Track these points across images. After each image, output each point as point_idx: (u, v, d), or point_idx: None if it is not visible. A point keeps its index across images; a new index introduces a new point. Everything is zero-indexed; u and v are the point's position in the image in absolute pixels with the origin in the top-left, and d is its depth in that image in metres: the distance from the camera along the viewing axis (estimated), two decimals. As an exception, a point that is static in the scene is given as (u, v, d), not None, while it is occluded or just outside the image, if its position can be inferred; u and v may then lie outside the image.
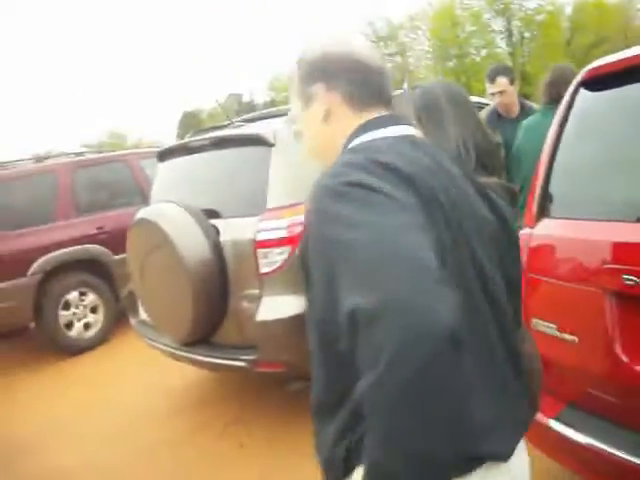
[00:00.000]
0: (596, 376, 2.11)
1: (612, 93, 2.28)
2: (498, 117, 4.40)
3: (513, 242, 1.25)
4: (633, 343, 1.97)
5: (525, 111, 4.42)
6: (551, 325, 2.24)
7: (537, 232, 2.34)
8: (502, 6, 38.43)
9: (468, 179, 1.18)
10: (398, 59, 41.99)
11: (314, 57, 1.23)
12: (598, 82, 2.31)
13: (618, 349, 1.99)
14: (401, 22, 41.67)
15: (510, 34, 39.33)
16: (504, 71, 4.40)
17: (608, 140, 2.22)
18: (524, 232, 2.40)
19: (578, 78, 2.38)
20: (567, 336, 2.18)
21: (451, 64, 39.53)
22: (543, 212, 2.34)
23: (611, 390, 2.07)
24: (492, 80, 4.32)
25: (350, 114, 1.21)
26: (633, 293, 1.94)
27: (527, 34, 39.04)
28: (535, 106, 4.55)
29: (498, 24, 39.63)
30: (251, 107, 46.76)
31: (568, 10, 39.33)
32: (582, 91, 2.36)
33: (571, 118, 2.35)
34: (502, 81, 4.30)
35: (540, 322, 2.30)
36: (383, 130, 1.15)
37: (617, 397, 2.06)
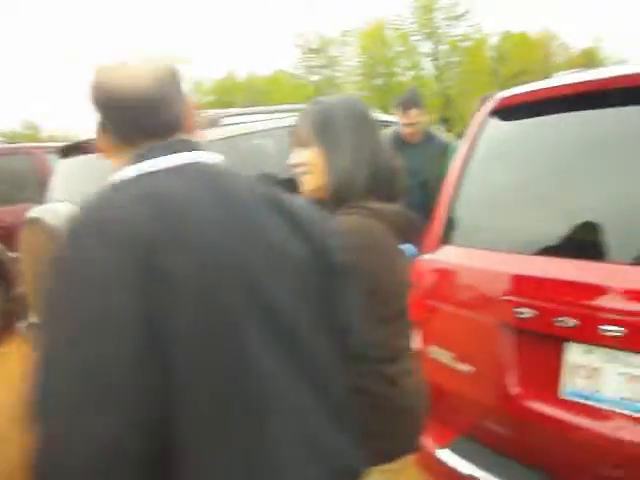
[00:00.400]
0: (488, 408, 2.09)
1: (520, 124, 2.28)
2: (401, 142, 4.21)
3: (334, 272, 1.12)
4: (524, 377, 1.95)
5: (428, 138, 4.33)
6: (447, 354, 2.21)
7: (436, 258, 2.30)
8: (430, 30, 39.42)
9: (276, 208, 1.06)
10: (326, 72, 42.38)
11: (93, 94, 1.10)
12: (507, 112, 2.31)
13: (510, 382, 1.97)
14: (332, 36, 42.12)
15: (437, 58, 40.37)
16: (417, 102, 4.25)
17: (513, 171, 2.22)
18: (424, 258, 2.36)
19: (488, 107, 2.37)
20: (462, 366, 2.14)
21: (378, 82, 40.14)
22: (444, 239, 2.31)
23: (502, 423, 2.05)
24: (406, 111, 4.19)
25: (122, 152, 1.09)
26: (526, 327, 1.92)
27: (453, 59, 40.15)
28: (439, 133, 4.52)
29: (426, 47, 40.64)
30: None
31: (494, 40, 40.76)
32: (491, 120, 2.35)
33: (479, 146, 2.34)
34: (416, 113, 4.19)
35: (436, 350, 2.26)
36: (151, 162, 1.02)
37: (508, 430, 2.03)
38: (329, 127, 1.54)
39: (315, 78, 42.62)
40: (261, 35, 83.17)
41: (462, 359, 2.14)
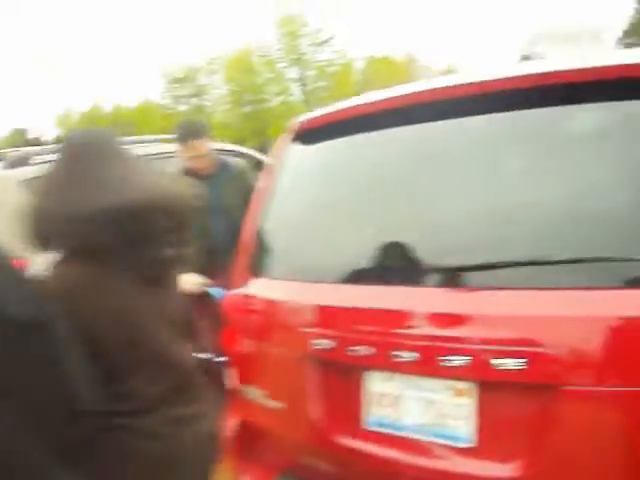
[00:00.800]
0: (302, 445, 1.99)
1: (325, 145, 2.20)
2: (193, 177, 3.59)
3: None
4: (330, 410, 1.87)
5: (221, 166, 3.97)
6: (258, 392, 2.10)
7: (243, 292, 2.19)
8: (296, 56, 40.06)
9: None
10: (194, 101, 42.02)
11: None
12: (311, 134, 2.23)
13: (317, 417, 1.88)
14: (199, 65, 41.79)
15: (304, 83, 41.01)
16: (197, 132, 3.81)
17: (317, 196, 2.14)
18: (232, 293, 2.25)
19: (292, 130, 2.30)
20: (273, 403, 2.04)
21: (247, 109, 40.16)
22: (251, 271, 2.21)
23: (316, 459, 1.95)
24: (183, 143, 3.77)
25: None
26: (326, 358, 1.84)
27: (321, 83, 40.91)
28: (232, 160, 4.23)
29: (293, 73, 41.19)
30: (38, 143, 44.02)
31: (360, 64, 41.97)
32: (295, 143, 2.27)
33: (284, 171, 2.26)
34: (196, 144, 3.76)
35: (249, 389, 2.14)
36: None
37: (322, 466, 1.94)
38: (72, 164, 1.41)
39: (183, 107, 42.07)
40: (125, 66, 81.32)
41: (273, 396, 2.03)
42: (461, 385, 1.58)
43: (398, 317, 1.71)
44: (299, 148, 2.26)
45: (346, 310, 1.83)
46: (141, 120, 40.31)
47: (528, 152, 1.68)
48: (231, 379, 2.25)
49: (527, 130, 1.69)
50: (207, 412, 1.64)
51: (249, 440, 2.20)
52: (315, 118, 2.23)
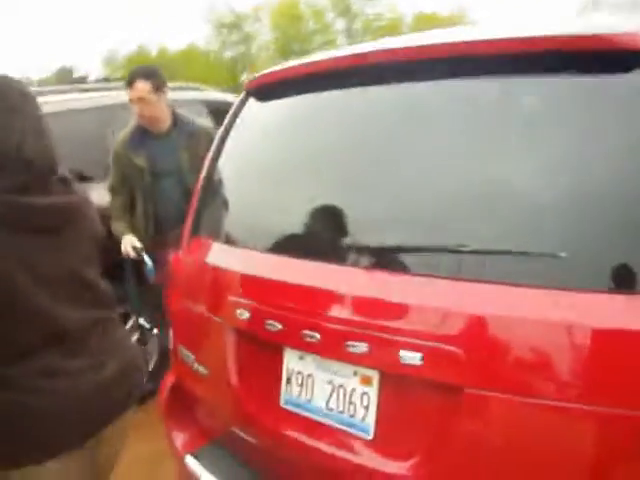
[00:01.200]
0: (227, 415, 1.93)
1: (278, 104, 2.08)
2: (143, 133, 3.50)
3: None
4: (250, 385, 1.79)
5: (179, 125, 3.55)
6: (190, 355, 2.03)
7: (184, 254, 2.11)
8: (344, 8, 39.26)
9: None
10: (241, 48, 41.61)
11: None
12: (266, 91, 2.09)
13: (237, 389, 1.81)
14: (245, 11, 41.28)
15: (351, 35, 40.22)
16: (147, 74, 3.42)
17: (255, 158, 2.03)
18: (178, 253, 2.17)
19: (248, 85, 2.17)
20: (201, 368, 1.97)
21: (292, 58, 39.55)
22: (194, 232, 2.12)
23: (241, 432, 1.88)
24: (130, 84, 3.40)
25: None
26: (249, 330, 1.76)
27: (368, 37, 40.08)
28: (197, 120, 3.77)
29: (340, 24, 40.44)
30: (84, 82, 44.25)
31: (408, 19, 40.96)
32: (250, 100, 2.15)
33: (234, 131, 2.14)
34: (141, 86, 3.37)
35: (183, 350, 2.08)
36: None
37: (247, 439, 1.87)
38: None
39: (229, 54, 41.75)
40: (172, 9, 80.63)
41: (201, 361, 1.97)
42: (366, 372, 1.48)
43: (312, 295, 1.60)
44: (250, 105, 2.13)
45: (267, 282, 1.73)
46: (186, 65, 40.12)
47: (463, 129, 1.52)
48: (172, 339, 2.20)
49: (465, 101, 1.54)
50: (101, 365, 1.59)
51: (182, 403, 2.15)
52: (267, 74, 2.08)
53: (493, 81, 1.45)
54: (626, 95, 1.27)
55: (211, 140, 2.27)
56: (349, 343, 1.46)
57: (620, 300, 1.17)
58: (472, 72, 1.47)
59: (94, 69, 47.05)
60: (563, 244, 1.25)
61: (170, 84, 3.78)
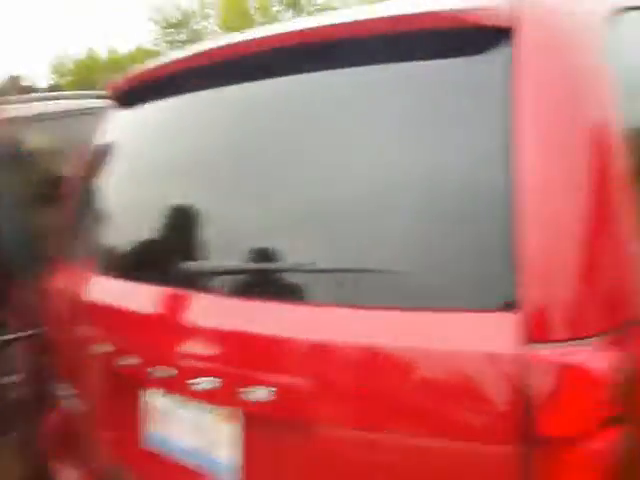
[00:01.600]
0: (98, 452, 1.75)
1: (135, 111, 1.88)
2: None
3: None
4: (114, 422, 1.65)
5: (9, 143, 2.64)
6: (65, 389, 1.87)
7: (50, 282, 1.93)
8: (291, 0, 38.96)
9: None
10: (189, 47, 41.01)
11: None
12: (130, 95, 1.90)
13: (103, 427, 1.66)
14: (192, 9, 40.59)
15: (300, 27, 39.88)
16: None
17: (122, 173, 1.84)
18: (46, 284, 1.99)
19: (108, 90, 1.98)
20: (75, 403, 1.81)
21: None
22: (61, 258, 1.94)
23: (113, 470, 1.71)
24: None
25: None
26: (105, 364, 1.59)
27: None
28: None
29: (287, 17, 40.00)
30: (32, 90, 43.14)
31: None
32: (114, 107, 1.97)
33: (99, 142, 1.97)
34: None
35: (59, 385, 1.92)
36: None
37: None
38: None
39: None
40: (117, 11, 79.02)
41: (75, 396, 1.81)
42: (222, 411, 1.33)
43: (163, 327, 1.45)
44: (116, 113, 1.95)
45: (117, 312, 1.57)
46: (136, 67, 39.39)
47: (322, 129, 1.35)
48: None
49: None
50: None
51: (66, 442, 1.98)
52: (129, 78, 1.90)
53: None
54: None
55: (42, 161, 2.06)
56: (192, 381, 1.30)
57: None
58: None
59: (42, 77, 45.75)
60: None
61: (73, 92, 3.52)
